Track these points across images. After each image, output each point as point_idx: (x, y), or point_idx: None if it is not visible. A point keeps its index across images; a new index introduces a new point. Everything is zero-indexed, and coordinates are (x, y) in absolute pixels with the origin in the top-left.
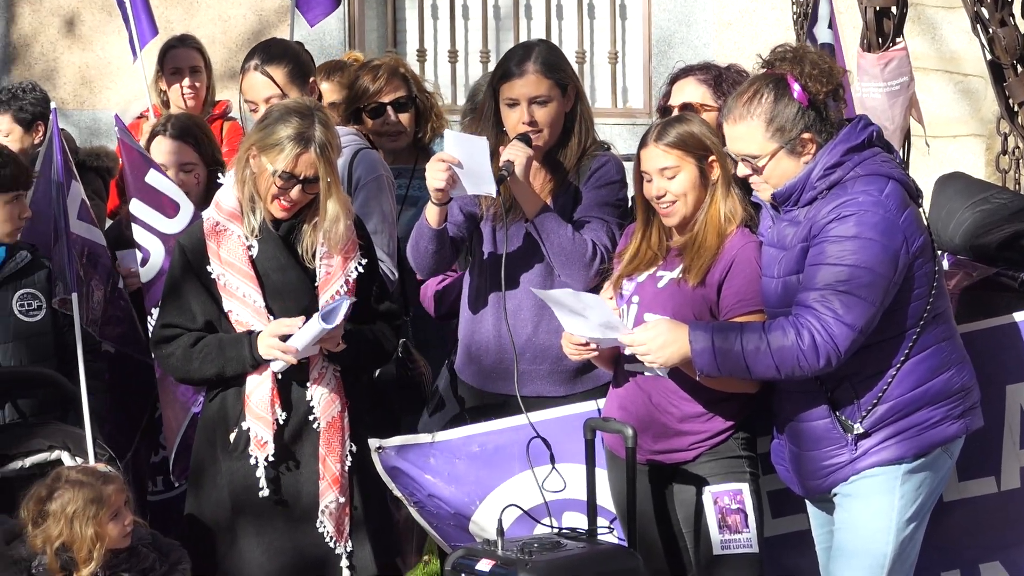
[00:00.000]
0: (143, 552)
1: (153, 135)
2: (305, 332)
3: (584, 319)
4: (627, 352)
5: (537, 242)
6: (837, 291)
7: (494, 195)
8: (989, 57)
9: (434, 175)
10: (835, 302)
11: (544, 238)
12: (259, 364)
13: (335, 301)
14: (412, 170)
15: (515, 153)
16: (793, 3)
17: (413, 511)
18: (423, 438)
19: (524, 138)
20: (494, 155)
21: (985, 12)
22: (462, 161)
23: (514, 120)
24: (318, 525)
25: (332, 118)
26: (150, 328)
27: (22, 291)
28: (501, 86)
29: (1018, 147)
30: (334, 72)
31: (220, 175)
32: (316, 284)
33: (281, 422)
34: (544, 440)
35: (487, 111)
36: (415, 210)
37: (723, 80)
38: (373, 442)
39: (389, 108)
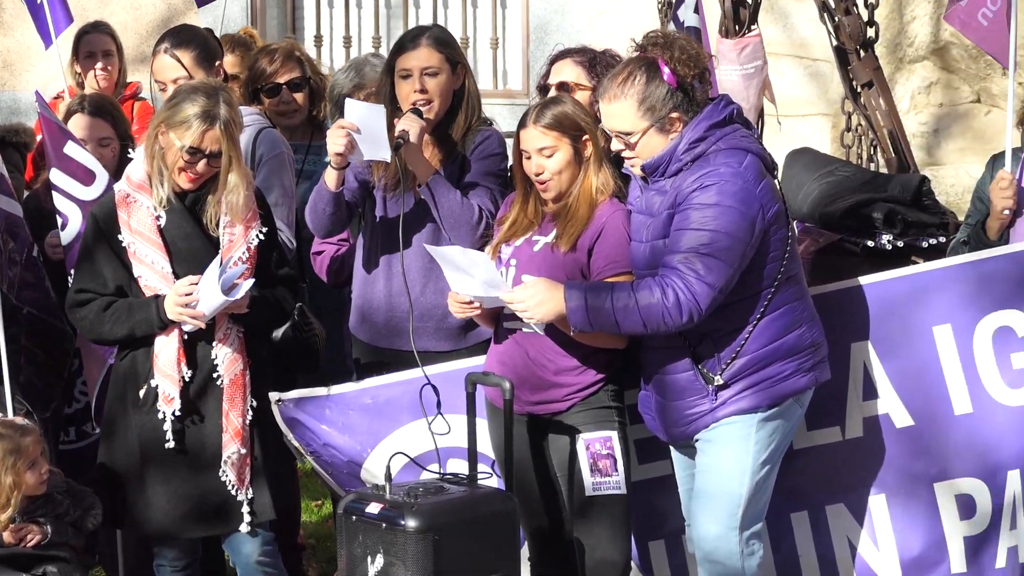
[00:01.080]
0: (58, 499)
1: (70, 113)
2: (210, 300)
3: (470, 277)
4: (507, 310)
5: (426, 209)
6: (699, 254)
7: (389, 161)
8: (835, 43)
9: (334, 140)
10: (697, 264)
11: (436, 201)
12: (166, 326)
13: (237, 269)
14: (307, 146)
15: (409, 123)
16: None
17: (310, 459)
18: (319, 391)
19: (416, 111)
20: (390, 127)
21: (831, 1)
22: (361, 128)
23: (407, 90)
24: (220, 474)
25: (236, 98)
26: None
27: None
28: (396, 59)
29: (860, 125)
30: (237, 46)
31: (131, 150)
32: (220, 251)
33: (187, 379)
34: (433, 387)
35: (383, 86)
36: (310, 183)
37: (597, 63)
38: (273, 395)
39: (284, 88)
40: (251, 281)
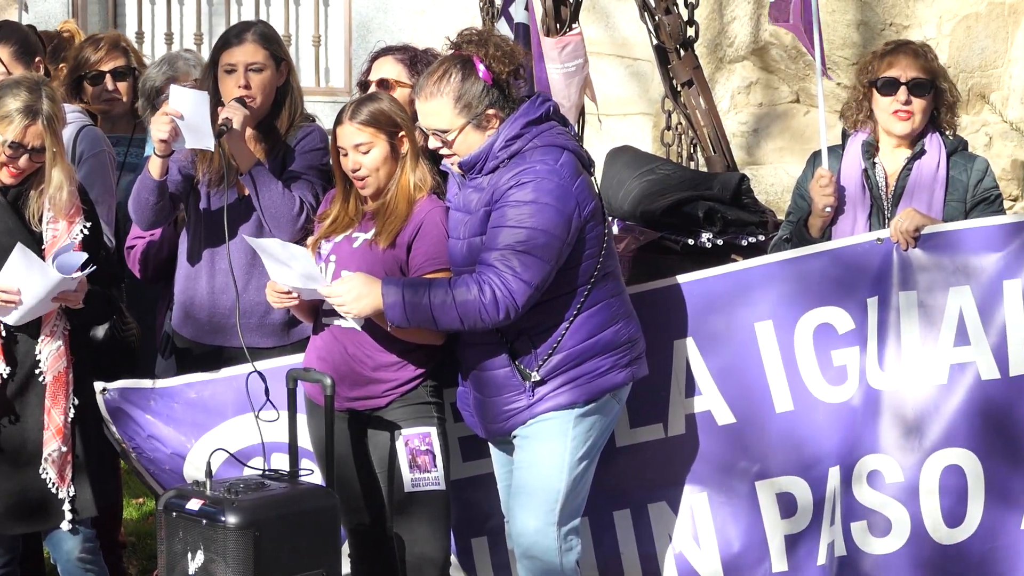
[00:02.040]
0: None
1: None
2: (17, 273)
3: (289, 269)
4: (327, 305)
5: (249, 204)
6: (516, 251)
7: (212, 149)
8: (655, 42)
9: (158, 127)
10: (514, 261)
11: (257, 191)
12: None
13: (66, 247)
14: (130, 138)
15: (232, 112)
16: None
17: (132, 456)
18: (145, 383)
19: (240, 101)
20: (213, 117)
21: (651, 1)
22: (185, 115)
23: (231, 85)
24: (41, 472)
25: (58, 94)
26: None
27: None
28: (221, 55)
29: (680, 124)
30: (58, 55)
31: None
32: (43, 247)
33: (5, 376)
34: (261, 374)
35: (206, 81)
36: (132, 176)
37: (418, 61)
38: (98, 385)
39: (108, 76)
40: (81, 232)
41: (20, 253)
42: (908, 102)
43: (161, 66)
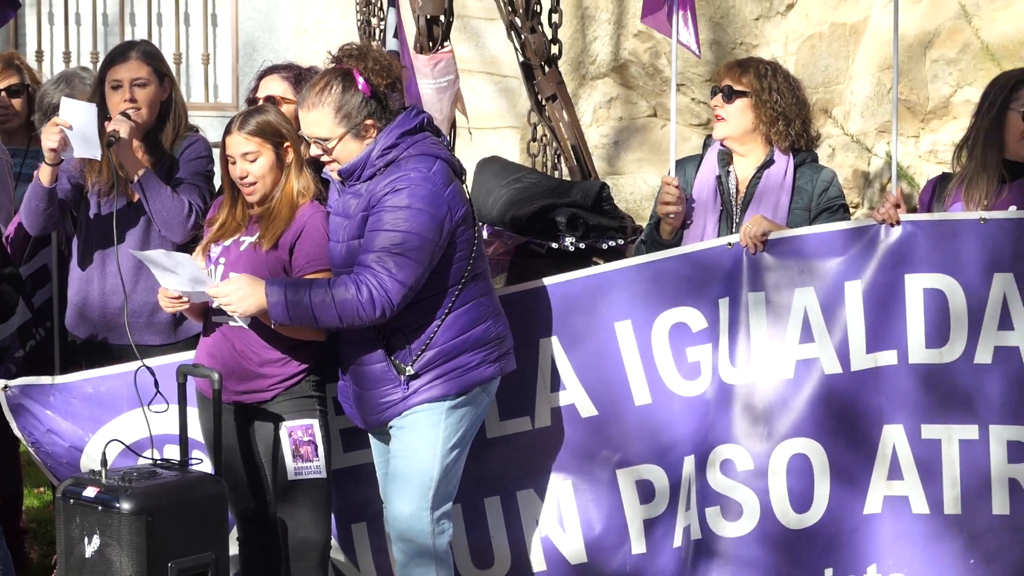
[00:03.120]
0: None
1: None
2: None
3: (176, 275)
4: (213, 304)
5: (137, 210)
6: (391, 253)
7: (99, 158)
8: (522, 59)
9: (48, 137)
10: (389, 262)
11: (147, 196)
12: None
13: None
14: (25, 150)
15: (119, 124)
16: (357, 13)
17: (31, 450)
18: (44, 380)
19: (125, 114)
20: (102, 130)
21: (518, 21)
22: (74, 125)
23: (117, 100)
24: None
25: None
26: None
27: None
28: (107, 71)
29: (545, 136)
30: None
31: None
32: None
33: None
34: (149, 369)
35: (94, 96)
36: (28, 185)
37: (303, 78)
38: (1, 382)
39: (3, 92)
40: None
41: None
42: (719, 106)
43: (59, 83)
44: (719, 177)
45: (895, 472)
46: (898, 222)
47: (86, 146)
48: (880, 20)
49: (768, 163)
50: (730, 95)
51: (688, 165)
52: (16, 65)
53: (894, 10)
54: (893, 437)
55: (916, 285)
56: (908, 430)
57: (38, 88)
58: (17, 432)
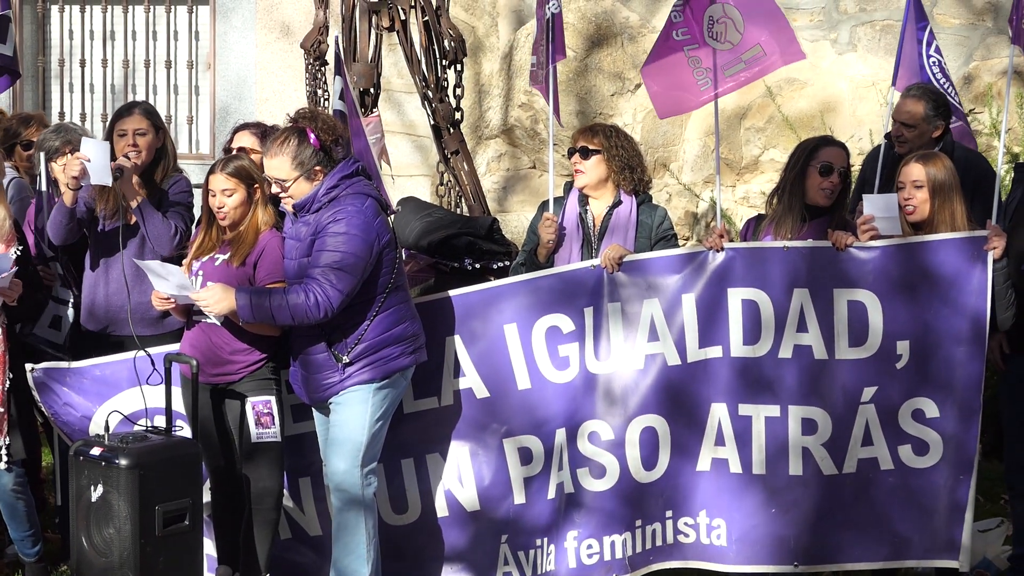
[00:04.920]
0: None
1: None
2: None
3: (167, 281)
4: (196, 307)
5: (134, 229)
6: (333, 268)
7: (110, 185)
8: (432, 123)
9: (71, 167)
10: (331, 275)
11: (144, 218)
12: None
13: (6, 255)
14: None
15: (124, 163)
16: (307, 86)
17: (50, 418)
18: (62, 364)
19: (127, 156)
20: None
21: (430, 93)
22: (91, 159)
23: (122, 145)
24: None
25: None
26: None
27: None
28: (115, 124)
29: (450, 181)
30: None
31: None
32: None
33: None
34: (149, 355)
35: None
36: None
37: (267, 134)
38: (28, 365)
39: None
40: (16, 252)
41: None
42: (578, 162)
43: (56, 132)
44: (580, 214)
45: (719, 440)
46: (722, 249)
47: (99, 175)
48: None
49: (617, 203)
50: (586, 153)
51: (556, 205)
52: (44, 123)
53: (714, 91)
54: (718, 413)
55: (736, 297)
56: (729, 408)
57: None
58: (41, 406)
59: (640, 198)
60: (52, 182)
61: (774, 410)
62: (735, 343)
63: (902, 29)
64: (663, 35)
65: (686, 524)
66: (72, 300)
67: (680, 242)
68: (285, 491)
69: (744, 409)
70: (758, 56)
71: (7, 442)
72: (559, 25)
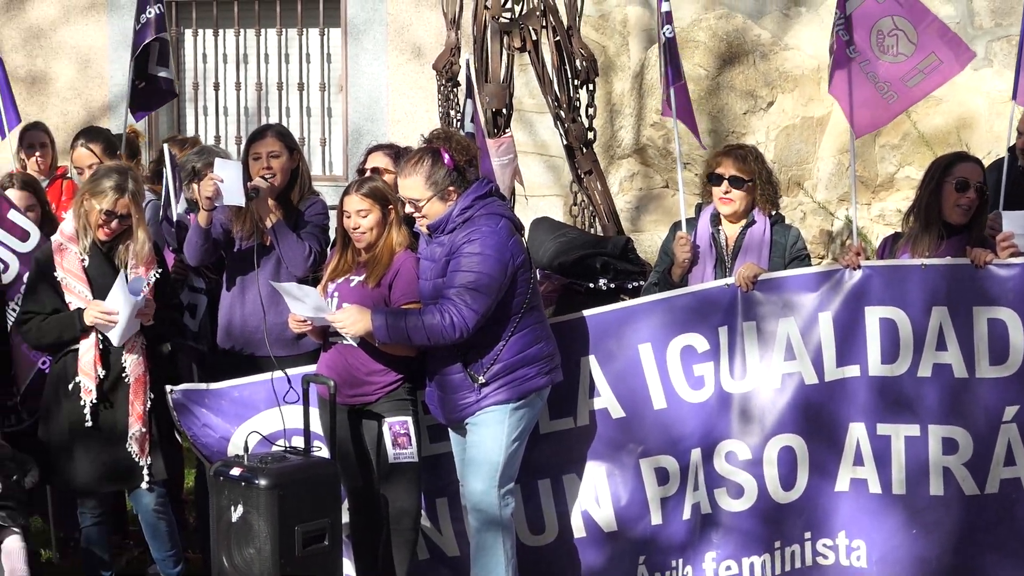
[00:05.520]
0: (5, 463)
1: (4, 187)
2: (117, 300)
3: (303, 303)
4: (332, 328)
5: (269, 250)
6: (468, 288)
7: (243, 206)
8: (565, 143)
9: (205, 188)
10: (466, 296)
11: (279, 240)
12: (85, 330)
13: (136, 281)
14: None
15: (259, 182)
16: (439, 107)
17: (189, 440)
18: (201, 386)
19: (263, 178)
20: (245, 188)
21: (562, 113)
22: (225, 180)
23: (256, 168)
24: (127, 446)
25: (140, 176)
26: (7, 312)
27: None
28: (250, 147)
29: (583, 201)
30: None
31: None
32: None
33: (101, 376)
34: (287, 376)
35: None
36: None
37: (400, 155)
38: (168, 387)
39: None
40: (155, 275)
41: (119, 283)
42: (728, 191)
43: (201, 154)
44: (712, 234)
45: (858, 460)
46: (859, 267)
47: (232, 196)
48: (839, 115)
49: (751, 223)
50: (738, 183)
51: (688, 225)
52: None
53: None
54: (856, 433)
55: (873, 315)
56: (868, 428)
57: None
58: (180, 428)
59: (773, 217)
60: (194, 203)
61: (914, 429)
62: (873, 362)
63: (1020, 41)
64: (837, 54)
65: (825, 546)
66: (205, 288)
67: (814, 261)
68: (423, 511)
69: (883, 429)
70: (934, 64)
71: (149, 462)
72: (674, 50)
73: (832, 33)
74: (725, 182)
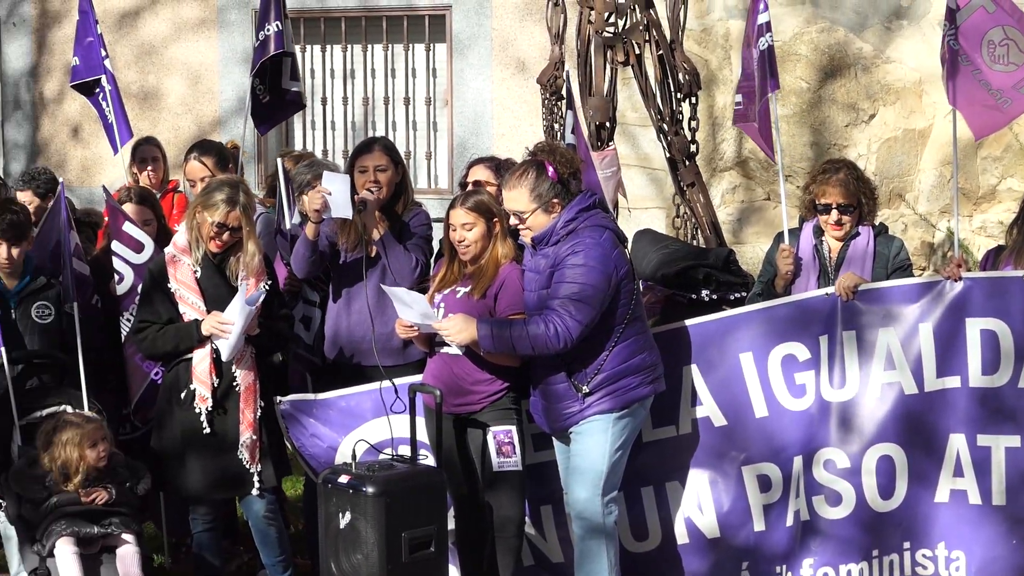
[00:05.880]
0: (119, 471)
1: (121, 203)
2: (234, 312)
3: (412, 309)
4: (438, 337)
5: (375, 261)
6: (572, 299)
7: (350, 218)
8: (668, 156)
9: (313, 200)
10: (570, 306)
11: (386, 250)
12: (201, 340)
13: (255, 293)
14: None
15: (367, 196)
16: (543, 120)
17: (297, 451)
18: (309, 396)
19: (369, 191)
20: (352, 200)
21: (665, 127)
22: (333, 192)
23: (363, 180)
24: (239, 453)
25: (250, 189)
26: (121, 323)
27: (38, 302)
28: (356, 160)
29: (686, 213)
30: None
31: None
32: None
33: (215, 385)
34: (394, 386)
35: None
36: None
37: (502, 167)
38: (277, 398)
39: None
40: (262, 294)
41: (239, 296)
42: (839, 219)
43: (311, 167)
44: (816, 246)
45: (958, 471)
46: (960, 278)
47: (340, 209)
48: (941, 127)
49: (854, 235)
50: (845, 210)
51: (791, 236)
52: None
53: (953, 120)
54: (956, 444)
55: (975, 327)
56: (968, 438)
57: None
58: (287, 438)
59: (877, 229)
60: (304, 215)
61: (1015, 440)
62: (974, 373)
63: None
64: (949, 64)
65: (924, 556)
66: (319, 300)
67: (916, 272)
68: (527, 519)
69: (983, 440)
70: None
71: (259, 469)
72: (772, 57)
73: (943, 44)
74: (834, 211)
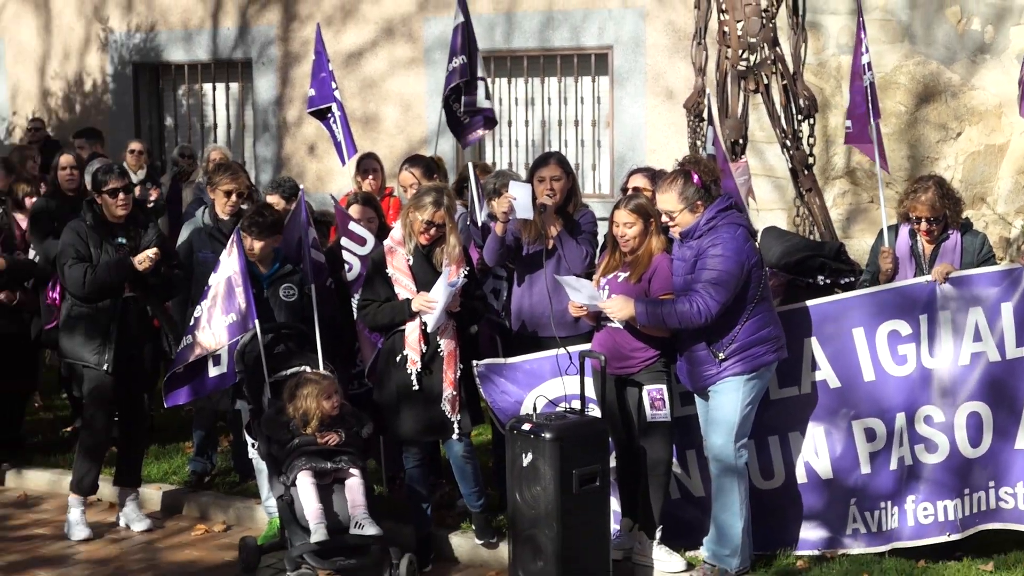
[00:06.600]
0: (348, 419)
1: (350, 204)
2: (438, 292)
3: (581, 293)
4: (603, 314)
5: (552, 252)
6: (712, 283)
7: (531, 219)
8: (790, 166)
9: (501, 204)
10: (711, 289)
11: (563, 245)
12: (412, 315)
13: (455, 278)
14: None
15: (545, 200)
16: (688, 138)
17: (488, 405)
18: (499, 360)
19: (548, 196)
20: (533, 204)
21: (788, 143)
22: (518, 198)
23: (541, 188)
24: (442, 405)
25: (453, 194)
26: (353, 303)
27: (285, 284)
28: (536, 171)
29: (805, 213)
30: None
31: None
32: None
33: (423, 351)
34: (568, 353)
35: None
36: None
37: (656, 176)
38: (474, 361)
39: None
40: (461, 280)
41: (442, 279)
42: (929, 229)
43: (498, 177)
44: (912, 246)
45: None
46: None
47: (524, 211)
48: (1017, 142)
49: (945, 239)
50: (934, 221)
51: (890, 232)
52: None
53: None
54: None
55: None
56: None
57: None
58: (483, 394)
59: (963, 227)
60: (492, 215)
61: None
62: None
63: None
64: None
65: (1007, 492)
66: (506, 275)
67: (996, 261)
68: (675, 460)
69: None
70: None
71: (459, 418)
72: (874, 91)
73: (1022, 67)
74: (924, 222)
